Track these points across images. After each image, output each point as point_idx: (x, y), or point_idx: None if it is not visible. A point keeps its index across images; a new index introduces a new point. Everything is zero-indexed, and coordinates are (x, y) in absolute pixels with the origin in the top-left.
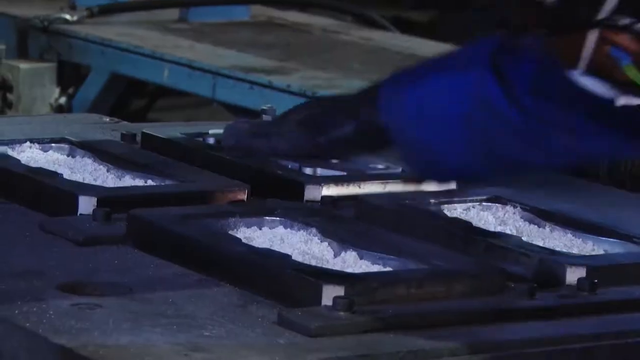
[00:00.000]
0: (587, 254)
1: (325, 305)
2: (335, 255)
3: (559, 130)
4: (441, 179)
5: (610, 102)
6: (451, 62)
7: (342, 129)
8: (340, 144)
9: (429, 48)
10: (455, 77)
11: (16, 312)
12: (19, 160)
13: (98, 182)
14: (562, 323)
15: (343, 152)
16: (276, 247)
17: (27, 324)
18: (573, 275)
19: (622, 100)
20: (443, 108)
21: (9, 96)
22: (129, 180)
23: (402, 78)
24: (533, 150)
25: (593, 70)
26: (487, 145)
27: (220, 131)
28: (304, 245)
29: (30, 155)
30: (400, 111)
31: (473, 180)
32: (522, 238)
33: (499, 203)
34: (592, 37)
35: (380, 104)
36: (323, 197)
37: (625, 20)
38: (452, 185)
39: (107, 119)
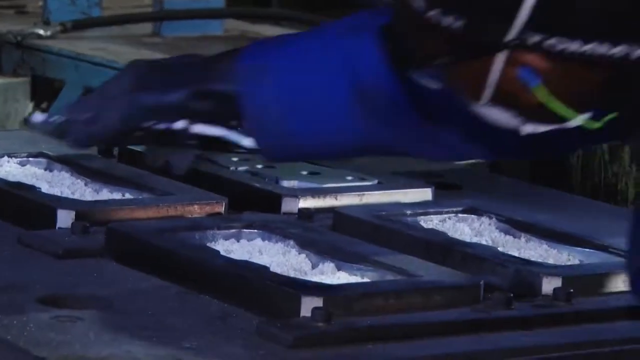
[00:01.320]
0: (563, 264)
1: (304, 317)
2: (314, 267)
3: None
4: (287, 159)
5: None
6: (329, 39)
7: (173, 91)
8: (169, 109)
9: None
10: (336, 52)
11: None
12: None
13: (76, 196)
14: (539, 333)
15: (173, 116)
16: (255, 259)
17: (8, 337)
18: (549, 285)
19: (528, 129)
20: (319, 92)
21: None
22: (107, 194)
23: (268, 51)
24: (428, 145)
25: (498, 98)
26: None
27: None
28: (282, 257)
29: (7, 169)
30: (266, 91)
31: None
32: (498, 249)
33: (474, 214)
34: (499, 60)
35: (238, 75)
36: (300, 210)
37: (534, 38)
38: (429, 197)
39: None
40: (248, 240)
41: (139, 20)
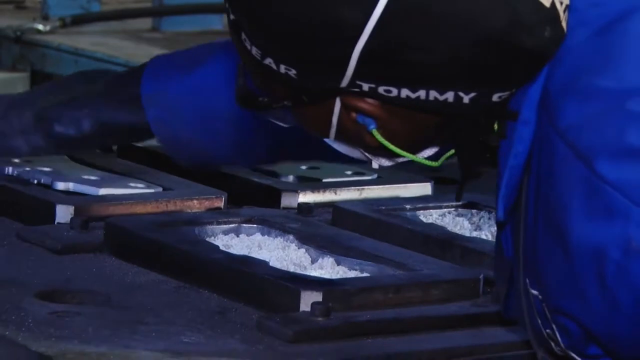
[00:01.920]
0: None
1: (304, 311)
2: (313, 262)
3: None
4: (202, 168)
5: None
6: (213, 55)
7: (81, 124)
8: (79, 141)
9: None
10: (218, 72)
11: None
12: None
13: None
14: None
15: (84, 147)
16: (254, 254)
17: (7, 332)
18: None
19: (376, 164)
20: (209, 104)
21: None
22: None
23: (165, 70)
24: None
25: (344, 137)
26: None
27: None
28: (281, 252)
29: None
30: (166, 109)
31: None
32: None
33: (474, 209)
34: (337, 105)
35: (143, 100)
36: (300, 204)
37: (366, 86)
38: (428, 191)
39: None
40: (247, 235)
41: (139, 15)
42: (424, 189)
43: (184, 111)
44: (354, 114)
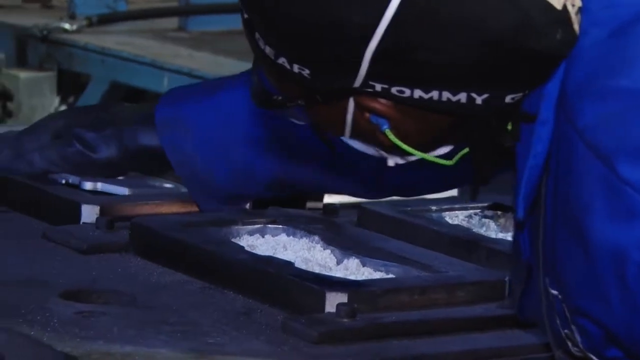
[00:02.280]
0: None
1: (329, 312)
2: (338, 263)
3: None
4: (215, 205)
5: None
6: (233, 86)
7: (104, 151)
8: (103, 166)
9: None
10: (239, 106)
11: (20, 320)
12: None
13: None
14: None
15: (99, 171)
16: (279, 255)
17: (32, 332)
18: None
19: (391, 162)
20: (228, 137)
21: (9, 105)
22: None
23: (182, 100)
24: (332, 176)
25: (358, 135)
26: (275, 169)
27: None
28: (306, 253)
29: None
30: (180, 137)
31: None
32: None
33: (500, 210)
34: (351, 105)
35: (158, 127)
36: (325, 205)
37: (378, 87)
38: (454, 192)
39: None
40: (272, 236)
41: (165, 14)
42: (450, 190)
43: (197, 136)
44: (367, 114)
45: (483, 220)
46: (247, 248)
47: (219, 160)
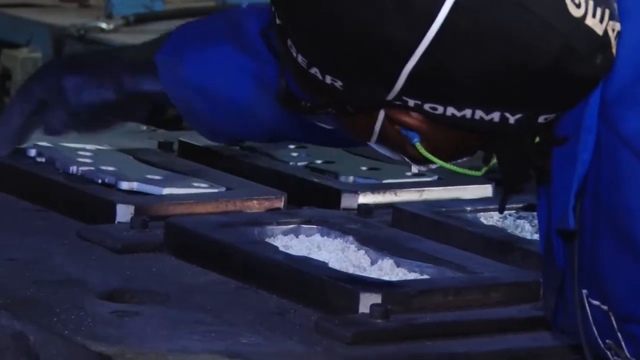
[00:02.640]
0: None
1: (363, 313)
2: (372, 263)
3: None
4: (224, 141)
5: None
6: (225, 32)
7: (101, 93)
8: (98, 110)
9: None
10: (231, 54)
11: (55, 320)
12: (57, 169)
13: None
14: None
15: (101, 118)
16: (313, 255)
17: (66, 332)
18: None
19: (415, 169)
20: (227, 86)
21: None
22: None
23: (183, 43)
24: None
25: (385, 143)
26: (265, 119)
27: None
28: (341, 253)
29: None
30: (182, 85)
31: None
32: None
33: (535, 211)
34: (381, 116)
35: (160, 75)
36: (359, 205)
37: (411, 102)
38: (489, 193)
39: (144, 127)
40: (307, 236)
41: (201, 13)
42: (485, 190)
43: (195, 83)
44: (397, 126)
45: (518, 221)
46: (281, 248)
47: (217, 106)
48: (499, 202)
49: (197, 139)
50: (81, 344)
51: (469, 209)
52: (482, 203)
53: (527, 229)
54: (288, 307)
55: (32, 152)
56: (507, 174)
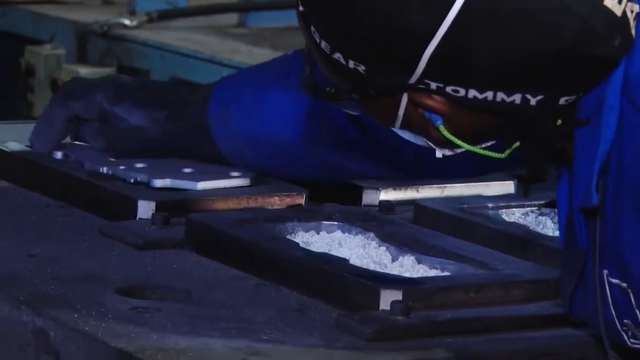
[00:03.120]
0: None
1: (383, 310)
2: (393, 260)
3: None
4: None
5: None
6: (276, 78)
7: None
8: (140, 144)
9: None
10: (284, 97)
11: (76, 316)
12: (79, 165)
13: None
14: None
15: (139, 151)
16: (334, 252)
17: (87, 328)
18: None
19: (439, 153)
20: (274, 132)
21: None
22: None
23: (229, 99)
24: (373, 163)
25: (409, 127)
26: (323, 160)
27: None
28: (362, 250)
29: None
30: (232, 137)
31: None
32: None
33: (557, 208)
34: (404, 100)
35: (212, 130)
36: (381, 202)
37: (433, 85)
38: (511, 190)
39: None
40: (328, 233)
41: (225, 10)
42: (507, 187)
43: (248, 132)
44: (420, 109)
45: (539, 218)
46: (302, 245)
47: (271, 151)
48: (523, 187)
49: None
50: (102, 340)
51: (490, 205)
52: (504, 200)
53: (549, 225)
54: (308, 304)
55: (58, 154)
56: (530, 157)
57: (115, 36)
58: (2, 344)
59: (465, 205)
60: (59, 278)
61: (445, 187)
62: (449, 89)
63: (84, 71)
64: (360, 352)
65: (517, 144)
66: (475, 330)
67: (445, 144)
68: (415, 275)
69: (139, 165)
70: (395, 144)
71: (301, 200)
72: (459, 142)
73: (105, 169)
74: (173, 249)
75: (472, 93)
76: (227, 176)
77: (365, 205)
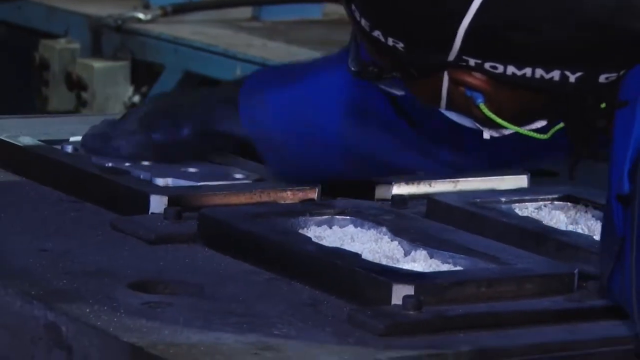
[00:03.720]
0: None
1: (395, 305)
2: (406, 254)
3: (446, 142)
4: (305, 181)
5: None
6: (321, 67)
7: (180, 130)
8: (178, 146)
9: None
10: (329, 83)
11: (87, 310)
12: (90, 159)
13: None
14: (633, 322)
15: (182, 154)
16: (346, 246)
17: (98, 323)
18: None
19: (487, 134)
20: (315, 116)
21: (84, 95)
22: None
23: (266, 81)
24: (419, 157)
25: (454, 107)
26: (363, 152)
27: None
28: (374, 244)
29: None
30: (266, 118)
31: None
32: (594, 237)
33: (570, 202)
34: (445, 78)
35: (240, 109)
36: (393, 196)
37: (472, 62)
38: (524, 184)
39: None
40: (340, 227)
41: (239, 4)
42: (520, 181)
43: (282, 119)
44: (462, 88)
45: (553, 212)
46: (314, 239)
47: (301, 140)
48: (569, 168)
49: None
50: (113, 335)
51: (503, 199)
52: (517, 194)
53: (562, 220)
54: (320, 299)
55: (69, 148)
56: (573, 137)
57: (129, 30)
58: (14, 338)
59: (478, 200)
60: (71, 273)
61: (458, 181)
62: (487, 65)
63: (98, 65)
64: (372, 347)
65: (561, 125)
66: (487, 325)
67: (490, 123)
68: (427, 269)
69: (143, 162)
70: (439, 136)
71: (314, 194)
72: (500, 120)
73: (110, 164)
74: (185, 244)
75: (511, 70)
76: (230, 178)
77: (378, 200)
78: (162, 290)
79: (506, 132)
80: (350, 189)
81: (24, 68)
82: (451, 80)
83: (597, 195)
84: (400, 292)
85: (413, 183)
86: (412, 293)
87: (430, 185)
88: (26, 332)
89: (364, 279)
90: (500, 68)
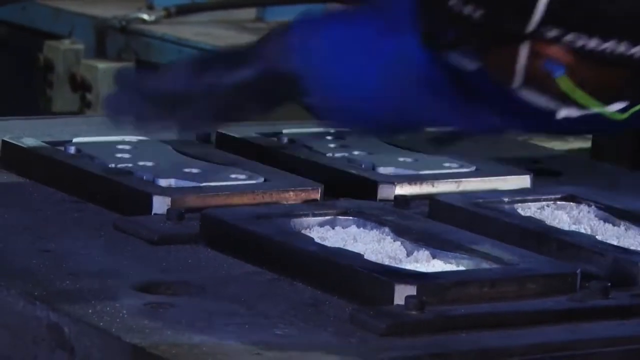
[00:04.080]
0: None
1: (397, 305)
2: (408, 255)
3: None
4: (346, 125)
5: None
6: (371, 14)
7: (238, 72)
8: (234, 89)
9: None
10: (379, 30)
11: (90, 311)
12: (93, 160)
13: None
14: (636, 322)
15: (236, 99)
16: (349, 246)
17: (101, 323)
18: None
19: (563, 113)
20: (362, 55)
21: (88, 96)
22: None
23: (318, 19)
24: (454, 114)
25: (529, 83)
26: (404, 101)
27: (296, 130)
28: (376, 245)
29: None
30: (316, 50)
31: (379, 131)
32: (597, 237)
33: (573, 202)
34: (523, 50)
35: (291, 42)
36: (396, 196)
37: (553, 32)
38: (527, 184)
39: None
40: (343, 227)
41: (243, 5)
42: (523, 181)
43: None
44: (539, 60)
45: (555, 212)
46: (317, 239)
47: (351, 86)
48: None
49: (235, 130)
50: (116, 336)
51: (506, 200)
52: (519, 194)
53: (564, 220)
54: (322, 299)
55: (72, 149)
56: None
57: (133, 31)
58: (17, 339)
59: (481, 200)
60: (73, 273)
61: (460, 181)
62: (568, 37)
63: (102, 66)
64: (374, 347)
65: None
66: (489, 325)
67: (567, 100)
68: (430, 270)
69: (146, 162)
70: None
71: (316, 195)
72: (579, 94)
73: (113, 165)
74: (188, 244)
75: (593, 43)
76: (233, 178)
77: (380, 200)
78: (164, 291)
79: (585, 111)
80: (353, 189)
81: (28, 69)
82: (530, 52)
83: (600, 195)
84: (402, 292)
85: (416, 183)
86: (415, 293)
87: (433, 186)
88: (28, 333)
89: (366, 279)
90: (582, 41)
